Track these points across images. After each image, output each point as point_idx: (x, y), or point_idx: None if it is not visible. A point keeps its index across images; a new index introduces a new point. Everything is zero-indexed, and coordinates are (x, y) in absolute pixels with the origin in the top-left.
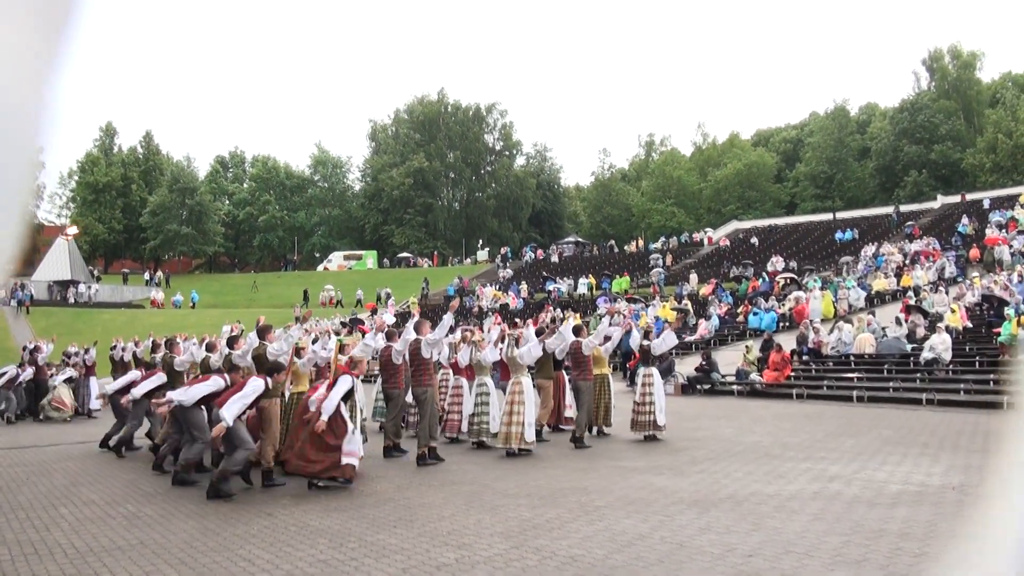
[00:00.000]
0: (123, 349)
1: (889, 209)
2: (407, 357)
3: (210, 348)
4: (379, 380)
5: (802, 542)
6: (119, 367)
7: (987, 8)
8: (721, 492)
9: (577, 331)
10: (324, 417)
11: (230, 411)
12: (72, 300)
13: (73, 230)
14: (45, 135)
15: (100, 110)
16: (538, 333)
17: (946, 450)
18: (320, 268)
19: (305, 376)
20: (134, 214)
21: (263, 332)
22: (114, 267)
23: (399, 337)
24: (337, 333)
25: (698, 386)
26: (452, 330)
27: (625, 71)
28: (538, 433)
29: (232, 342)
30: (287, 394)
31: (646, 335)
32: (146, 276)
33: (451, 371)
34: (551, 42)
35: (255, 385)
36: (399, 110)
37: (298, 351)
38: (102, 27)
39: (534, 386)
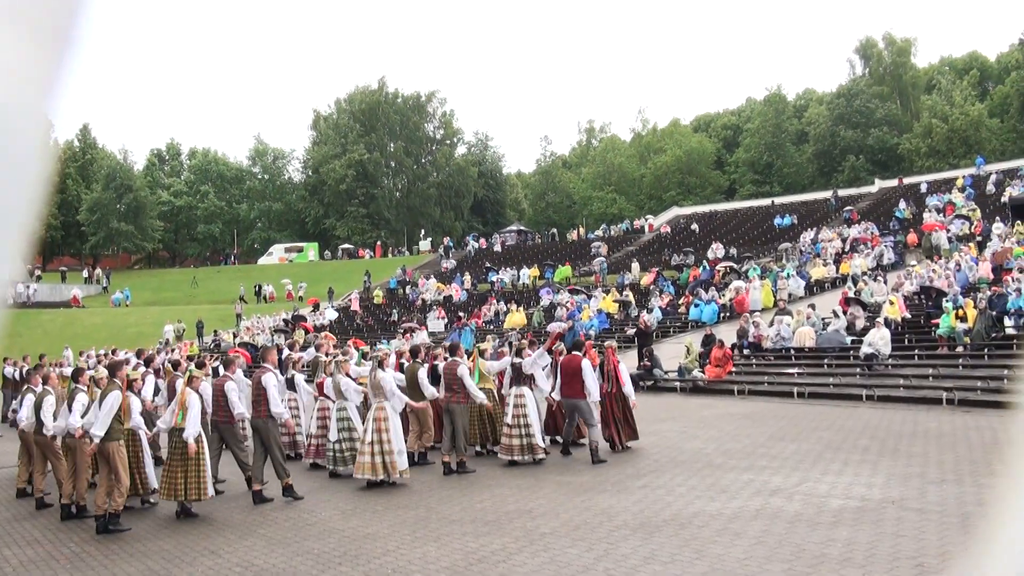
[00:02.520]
0: (14, 365)
1: (827, 194)
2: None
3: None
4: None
5: (744, 572)
6: (10, 385)
7: None
8: (664, 512)
9: (453, 350)
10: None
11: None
12: (10, 301)
13: None
14: (46, 149)
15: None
16: (413, 353)
17: (886, 456)
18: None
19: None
20: (71, 210)
21: (114, 368)
22: (52, 264)
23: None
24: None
25: (641, 383)
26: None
27: (565, 58)
28: (424, 455)
29: (76, 375)
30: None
31: (518, 352)
32: (84, 274)
33: (317, 392)
34: (490, 30)
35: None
36: (340, 100)
37: (130, 384)
38: (35, 16)
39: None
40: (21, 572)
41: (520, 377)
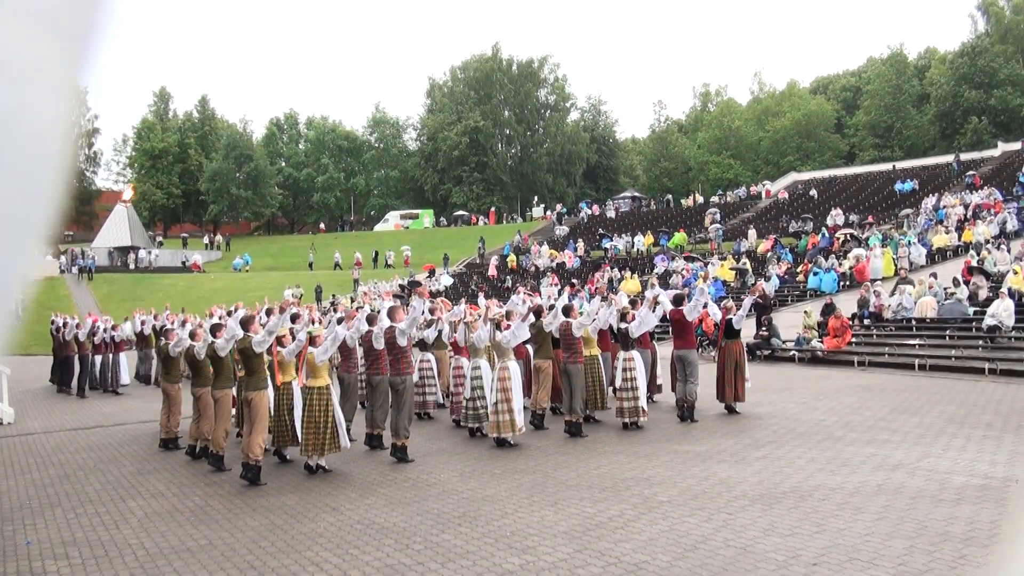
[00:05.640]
0: (142, 323)
1: (949, 158)
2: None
3: (192, 336)
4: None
5: (866, 547)
6: (140, 340)
7: None
8: (784, 484)
9: (567, 311)
10: None
11: None
12: (133, 266)
13: (128, 193)
14: (65, 146)
15: (154, 75)
16: (536, 313)
17: (1010, 432)
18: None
19: (291, 364)
20: (192, 179)
21: (246, 323)
22: (173, 231)
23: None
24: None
25: (758, 352)
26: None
27: (679, 20)
28: (541, 417)
29: (215, 330)
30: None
31: (623, 317)
32: (205, 240)
33: (452, 351)
34: None
35: None
36: (455, 68)
37: (280, 340)
38: (52, 15)
39: (534, 367)
40: (146, 524)
41: (627, 341)
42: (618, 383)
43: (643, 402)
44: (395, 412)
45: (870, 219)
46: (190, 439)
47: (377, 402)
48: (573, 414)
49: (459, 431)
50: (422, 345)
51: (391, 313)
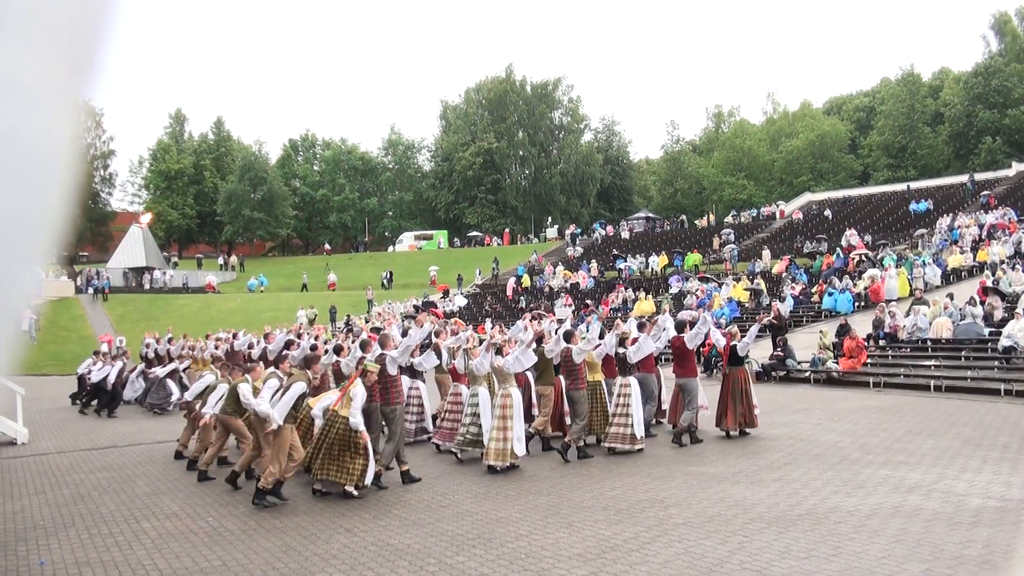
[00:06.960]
0: (147, 346)
1: (964, 178)
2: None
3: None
4: None
5: (882, 571)
6: (148, 363)
7: None
8: (800, 507)
9: (568, 337)
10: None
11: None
12: (148, 286)
13: (147, 218)
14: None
15: (170, 97)
16: (538, 339)
17: None
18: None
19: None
20: (207, 200)
21: (310, 361)
22: (188, 252)
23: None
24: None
25: (773, 373)
26: (523, 324)
27: (692, 40)
28: (547, 440)
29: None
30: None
31: (621, 342)
32: (220, 261)
33: (450, 376)
34: (616, 13)
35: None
36: (469, 89)
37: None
38: (168, 13)
39: (536, 394)
40: (160, 544)
41: (625, 367)
42: (611, 408)
43: (636, 429)
44: (387, 441)
45: (861, 248)
46: (202, 465)
47: (372, 429)
48: (573, 438)
49: (446, 456)
50: (412, 372)
51: (382, 341)
